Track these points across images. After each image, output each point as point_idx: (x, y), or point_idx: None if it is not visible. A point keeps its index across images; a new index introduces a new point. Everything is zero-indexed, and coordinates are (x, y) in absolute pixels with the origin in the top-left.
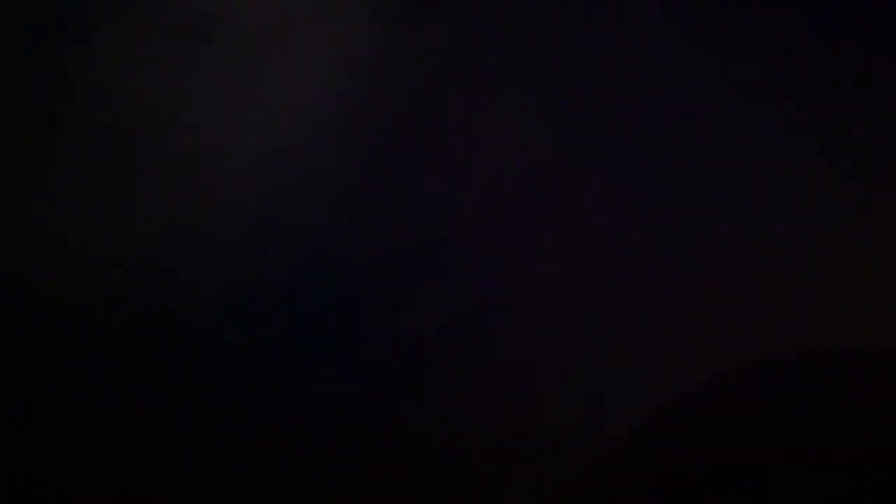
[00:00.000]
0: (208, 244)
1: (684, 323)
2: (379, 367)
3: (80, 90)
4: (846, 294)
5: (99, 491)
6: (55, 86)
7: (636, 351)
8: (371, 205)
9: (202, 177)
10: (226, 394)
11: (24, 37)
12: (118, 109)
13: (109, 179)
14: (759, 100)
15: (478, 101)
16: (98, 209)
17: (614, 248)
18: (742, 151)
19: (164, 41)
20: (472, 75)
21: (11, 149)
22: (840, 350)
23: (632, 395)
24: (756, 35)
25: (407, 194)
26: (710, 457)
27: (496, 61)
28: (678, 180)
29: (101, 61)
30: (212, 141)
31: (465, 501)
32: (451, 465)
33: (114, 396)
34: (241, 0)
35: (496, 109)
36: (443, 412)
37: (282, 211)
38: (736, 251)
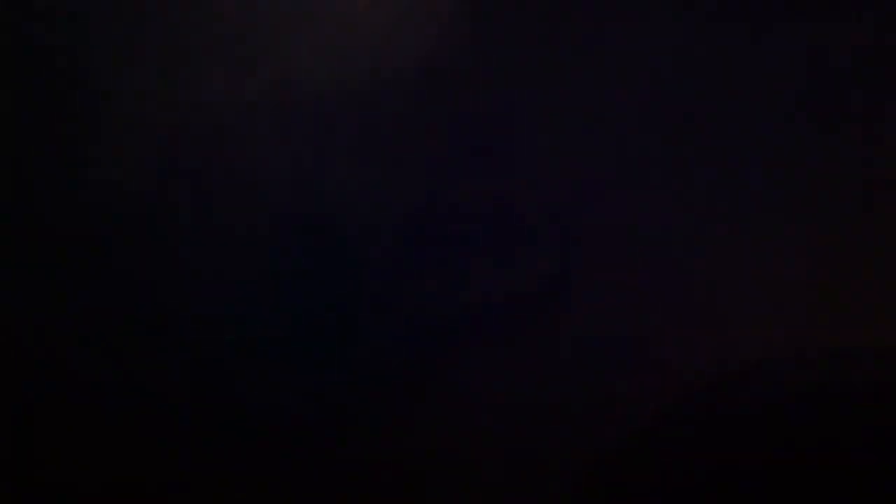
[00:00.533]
0: (208, 244)
1: (684, 323)
2: (379, 367)
3: (80, 89)
4: (846, 294)
5: (99, 491)
6: (54, 86)
7: (636, 351)
8: (372, 205)
9: (202, 176)
10: (226, 394)
11: (24, 37)
12: (117, 107)
13: (109, 178)
14: (760, 100)
15: (479, 101)
16: (97, 207)
17: (614, 248)
18: (742, 151)
19: (162, 39)
20: (473, 76)
21: (11, 147)
22: (840, 350)
23: (632, 395)
24: (756, 34)
25: (407, 194)
26: (710, 457)
27: (496, 61)
28: (678, 180)
29: (103, 60)
30: (212, 138)
31: (466, 501)
32: (451, 465)
33: (114, 396)
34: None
35: (498, 109)
36: (443, 412)
37: (282, 210)
38: (736, 251)
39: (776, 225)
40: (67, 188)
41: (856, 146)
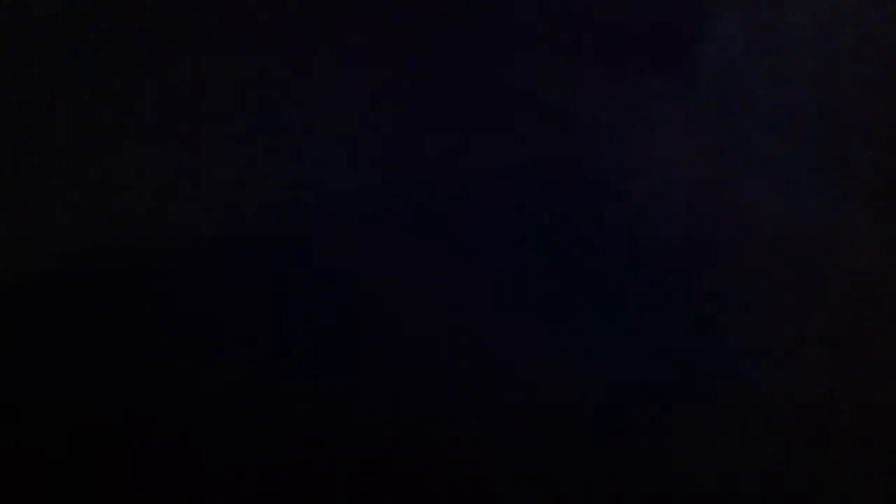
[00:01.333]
0: (209, 245)
1: (683, 321)
2: (379, 367)
3: (80, 88)
4: (846, 297)
5: (99, 491)
6: (56, 85)
7: (635, 351)
8: (371, 206)
9: (203, 178)
10: (226, 393)
11: (24, 37)
12: (117, 106)
13: (110, 179)
14: (762, 98)
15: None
16: (99, 208)
17: (613, 249)
18: (745, 151)
19: (161, 40)
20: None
21: (12, 146)
22: (840, 350)
23: (631, 395)
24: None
25: (406, 195)
26: (709, 457)
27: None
28: (679, 180)
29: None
30: (213, 143)
31: (465, 501)
32: (451, 464)
33: (114, 396)
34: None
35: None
36: (442, 412)
37: (282, 212)
38: (736, 250)
39: (777, 224)
40: (68, 186)
41: (855, 148)
